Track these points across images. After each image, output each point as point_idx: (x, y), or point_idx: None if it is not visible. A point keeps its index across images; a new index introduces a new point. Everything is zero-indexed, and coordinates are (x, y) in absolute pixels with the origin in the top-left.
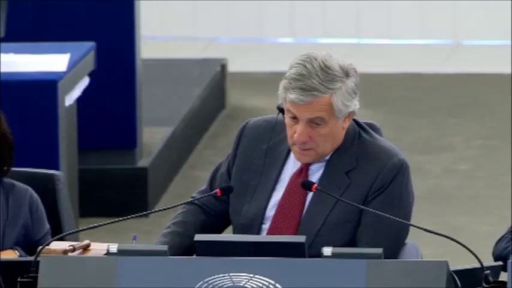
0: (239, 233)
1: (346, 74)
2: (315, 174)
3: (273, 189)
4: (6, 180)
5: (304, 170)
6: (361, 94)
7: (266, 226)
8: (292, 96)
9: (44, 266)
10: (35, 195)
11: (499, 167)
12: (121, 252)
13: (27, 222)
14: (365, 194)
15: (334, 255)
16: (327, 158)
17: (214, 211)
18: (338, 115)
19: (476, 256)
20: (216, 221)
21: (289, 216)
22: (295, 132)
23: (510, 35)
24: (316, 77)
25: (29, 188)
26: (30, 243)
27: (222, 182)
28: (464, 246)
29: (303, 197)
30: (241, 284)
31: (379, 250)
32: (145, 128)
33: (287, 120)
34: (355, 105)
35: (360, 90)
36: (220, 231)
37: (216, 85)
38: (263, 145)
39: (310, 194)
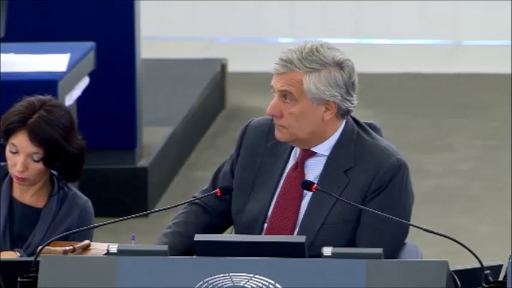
0: (242, 231)
1: (337, 65)
2: (313, 172)
3: (276, 187)
4: (70, 188)
5: (299, 164)
6: (361, 94)
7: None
8: (272, 66)
9: (44, 266)
10: (91, 208)
11: (499, 167)
12: (121, 252)
13: (71, 227)
14: (364, 193)
15: (334, 255)
16: (326, 154)
17: (216, 211)
18: (309, 96)
19: (476, 256)
20: (218, 221)
21: (287, 211)
22: None
23: (510, 35)
24: (299, 53)
25: (88, 200)
26: None
27: (225, 181)
28: (464, 246)
29: (299, 191)
30: (241, 284)
31: (379, 250)
32: (145, 128)
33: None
34: (334, 96)
35: (353, 90)
36: (221, 231)
37: (216, 85)
38: (265, 143)
39: (309, 192)
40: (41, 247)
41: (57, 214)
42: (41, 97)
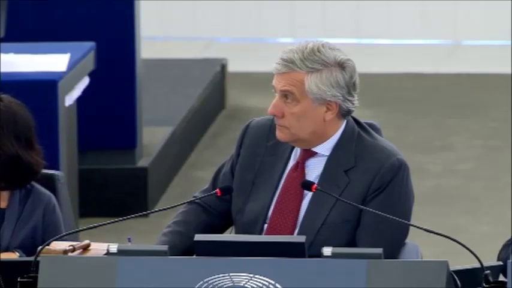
0: (242, 231)
1: (339, 65)
2: (313, 172)
3: (276, 187)
4: (32, 185)
5: (300, 164)
6: (361, 94)
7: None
8: (273, 66)
9: (44, 266)
10: (55, 202)
11: (499, 167)
12: (121, 252)
13: (37, 224)
14: (364, 193)
15: (334, 255)
16: (327, 154)
17: (216, 210)
18: (311, 96)
19: (476, 256)
20: (218, 221)
21: (287, 211)
22: None
23: (510, 35)
24: (300, 53)
25: (52, 196)
26: (37, 247)
27: (225, 181)
28: (464, 246)
29: (299, 191)
30: (241, 284)
31: (379, 250)
32: (145, 128)
33: None
34: (335, 96)
35: (354, 90)
36: (221, 231)
37: (216, 85)
38: (265, 143)
39: (309, 192)
40: (40, 247)
41: (22, 212)
42: (10, 97)
